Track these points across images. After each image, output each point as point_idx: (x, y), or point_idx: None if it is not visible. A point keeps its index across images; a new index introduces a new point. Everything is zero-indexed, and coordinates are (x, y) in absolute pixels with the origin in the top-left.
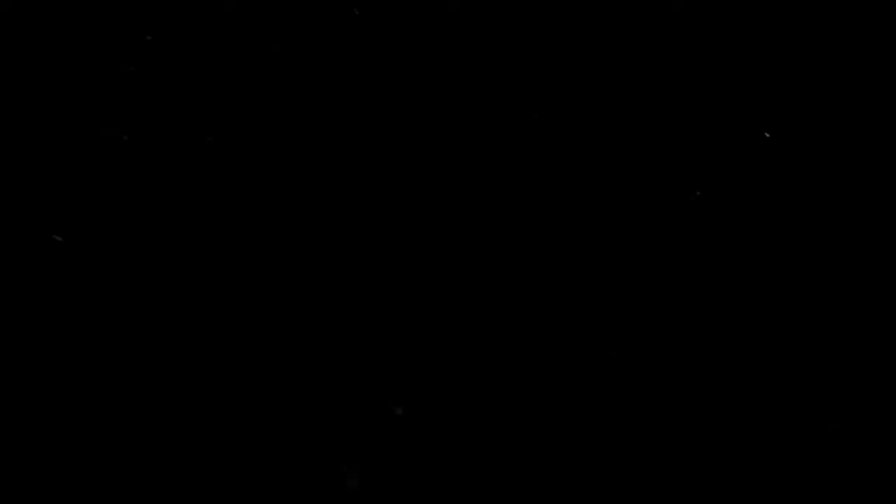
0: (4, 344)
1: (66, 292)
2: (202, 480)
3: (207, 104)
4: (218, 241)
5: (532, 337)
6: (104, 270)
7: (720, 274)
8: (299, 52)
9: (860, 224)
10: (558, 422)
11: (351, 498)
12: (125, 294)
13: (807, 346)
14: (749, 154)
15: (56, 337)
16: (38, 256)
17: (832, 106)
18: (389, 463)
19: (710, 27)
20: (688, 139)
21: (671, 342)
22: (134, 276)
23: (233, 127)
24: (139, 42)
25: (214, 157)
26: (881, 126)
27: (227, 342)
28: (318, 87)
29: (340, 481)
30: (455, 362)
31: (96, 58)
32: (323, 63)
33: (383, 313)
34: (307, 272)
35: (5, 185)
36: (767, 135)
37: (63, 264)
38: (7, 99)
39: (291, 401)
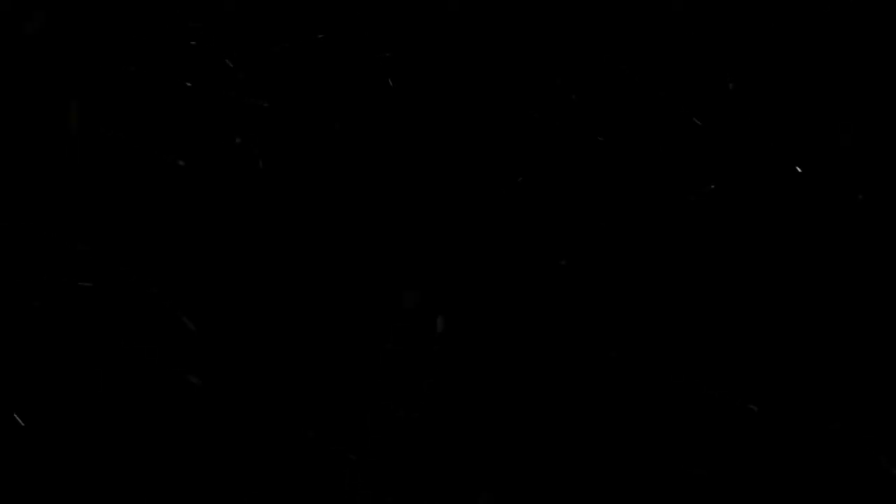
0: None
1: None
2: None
3: (221, 106)
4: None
5: (532, 337)
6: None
7: (721, 274)
8: (299, 52)
9: (862, 227)
10: (558, 421)
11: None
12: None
13: (807, 346)
14: (747, 154)
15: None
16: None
17: (832, 106)
18: (390, 460)
19: (710, 27)
20: (686, 139)
21: (671, 342)
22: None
23: (257, 128)
24: (139, 42)
25: (248, 157)
26: (882, 125)
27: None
28: (319, 86)
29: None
30: (457, 362)
31: (98, 58)
32: (322, 63)
33: (388, 314)
34: (310, 274)
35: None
36: (799, 169)
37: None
38: (10, 102)
39: (294, 397)
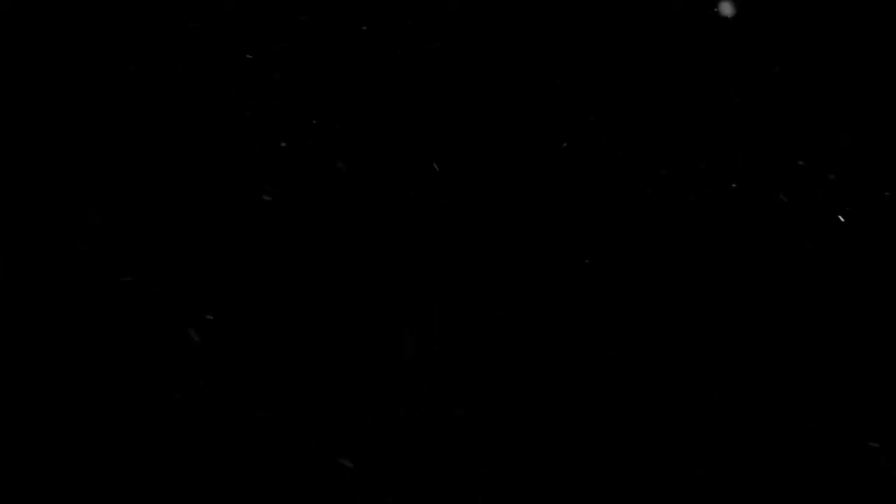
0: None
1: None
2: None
3: (221, 106)
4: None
5: (532, 337)
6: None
7: (721, 274)
8: (299, 52)
9: (862, 227)
10: (558, 420)
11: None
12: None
13: (807, 346)
14: (747, 154)
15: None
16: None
17: (832, 106)
18: (389, 457)
19: (710, 27)
20: (686, 139)
21: (671, 342)
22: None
23: (257, 128)
24: (139, 42)
25: (289, 160)
26: (882, 125)
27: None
28: (319, 86)
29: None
30: (457, 362)
31: (98, 58)
32: (322, 63)
33: (387, 314)
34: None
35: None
36: (842, 218)
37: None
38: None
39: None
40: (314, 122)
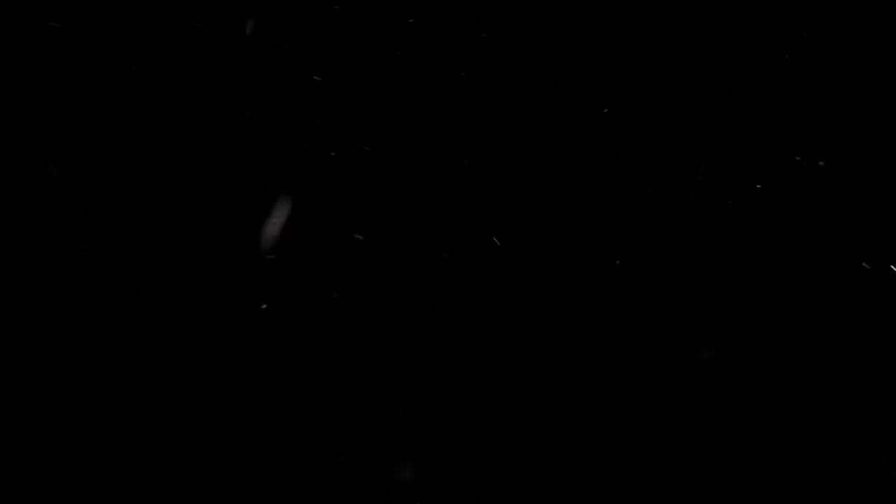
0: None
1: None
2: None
3: (221, 106)
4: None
5: (532, 337)
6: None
7: (721, 274)
8: (299, 52)
9: (863, 227)
10: (558, 420)
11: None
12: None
13: (807, 346)
14: (746, 156)
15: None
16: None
17: (832, 106)
18: (386, 457)
19: (710, 27)
20: (686, 139)
21: (671, 342)
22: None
23: (257, 129)
24: (140, 42)
25: (288, 160)
26: (882, 125)
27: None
28: (319, 86)
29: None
30: (456, 364)
31: (97, 58)
32: (322, 63)
33: (386, 315)
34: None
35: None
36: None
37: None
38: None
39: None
40: (314, 122)
